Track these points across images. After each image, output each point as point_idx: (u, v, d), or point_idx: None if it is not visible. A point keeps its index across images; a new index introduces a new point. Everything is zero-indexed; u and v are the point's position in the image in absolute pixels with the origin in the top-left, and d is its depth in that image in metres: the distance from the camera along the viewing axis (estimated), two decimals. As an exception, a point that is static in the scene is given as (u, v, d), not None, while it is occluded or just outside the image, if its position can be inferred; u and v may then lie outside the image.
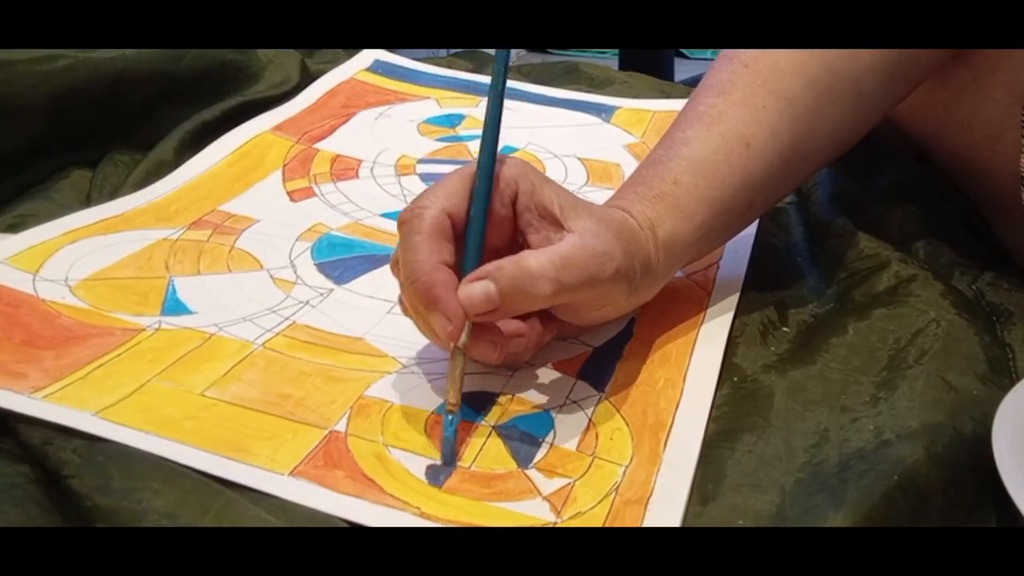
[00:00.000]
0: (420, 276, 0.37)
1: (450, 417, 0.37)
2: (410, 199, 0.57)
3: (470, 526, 0.33)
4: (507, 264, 0.37)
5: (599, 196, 0.59)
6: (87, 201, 0.56)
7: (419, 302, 0.38)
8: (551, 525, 0.34)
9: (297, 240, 0.53)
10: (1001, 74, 0.49)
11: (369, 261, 0.51)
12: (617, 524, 0.34)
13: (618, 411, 0.40)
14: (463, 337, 0.37)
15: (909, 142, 0.61)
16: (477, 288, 0.37)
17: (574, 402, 0.41)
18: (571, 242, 0.39)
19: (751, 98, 0.46)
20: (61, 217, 0.52)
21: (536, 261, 0.37)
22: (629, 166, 0.64)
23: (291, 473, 0.35)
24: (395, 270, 0.40)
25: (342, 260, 0.51)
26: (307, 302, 0.47)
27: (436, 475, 0.36)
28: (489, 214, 0.40)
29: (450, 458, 0.37)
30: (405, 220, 0.39)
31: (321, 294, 0.48)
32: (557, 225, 0.40)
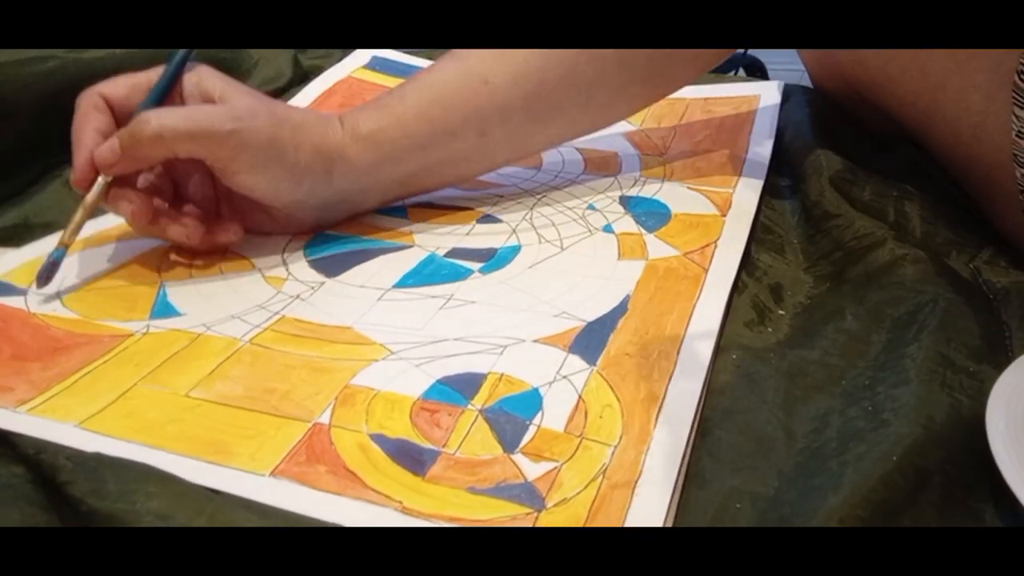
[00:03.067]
0: (72, 137, 0.46)
1: (59, 252, 0.46)
2: (408, 198, 0.57)
3: (452, 520, 0.32)
4: (131, 122, 0.45)
5: (596, 185, 0.59)
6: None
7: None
8: (534, 512, 0.33)
9: (291, 240, 0.52)
10: (982, 60, 0.49)
11: (363, 255, 0.51)
12: (603, 510, 0.33)
13: (609, 385, 0.39)
14: (92, 192, 0.46)
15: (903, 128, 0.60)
16: (105, 145, 0.45)
17: (564, 377, 0.39)
18: (198, 105, 0.47)
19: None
20: (55, 232, 0.52)
21: (155, 112, 0.45)
22: (627, 155, 0.63)
23: (272, 472, 0.34)
24: None
25: (335, 256, 0.50)
26: (297, 296, 0.46)
27: (419, 464, 0.35)
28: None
29: (43, 280, 0.45)
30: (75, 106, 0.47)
31: (312, 287, 0.47)
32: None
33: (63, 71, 0.58)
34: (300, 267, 0.49)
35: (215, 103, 0.47)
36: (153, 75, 0.48)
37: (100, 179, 0.46)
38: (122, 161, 0.45)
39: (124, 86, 0.48)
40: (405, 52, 0.81)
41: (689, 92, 0.74)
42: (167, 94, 0.48)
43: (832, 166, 0.55)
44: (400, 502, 0.33)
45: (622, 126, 0.68)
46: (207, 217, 0.50)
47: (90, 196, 0.46)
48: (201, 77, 0.48)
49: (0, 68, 0.55)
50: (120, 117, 0.47)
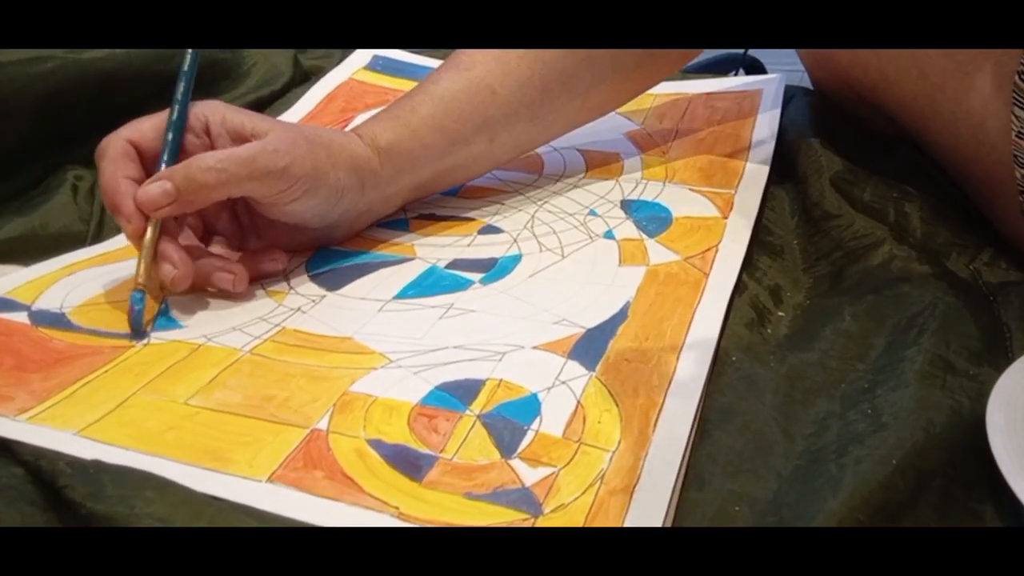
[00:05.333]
0: (106, 189, 0.45)
1: (138, 295, 0.44)
2: (409, 207, 0.57)
3: (448, 526, 0.32)
4: (183, 164, 0.44)
5: (597, 187, 0.59)
6: (91, 199, 0.56)
7: (111, 212, 0.45)
8: (531, 518, 0.33)
9: (293, 256, 0.52)
10: (982, 60, 0.49)
11: (364, 268, 0.50)
12: (600, 516, 0.33)
13: (608, 390, 0.39)
14: (148, 234, 0.44)
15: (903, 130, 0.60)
16: (154, 187, 0.44)
17: (563, 382, 0.39)
18: (246, 144, 0.46)
19: (507, 55, 0.53)
20: (63, 246, 0.53)
21: (210, 156, 0.44)
22: (629, 155, 0.63)
23: (269, 479, 0.34)
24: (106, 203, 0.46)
25: (336, 270, 0.50)
26: (298, 308, 0.46)
27: (416, 469, 0.35)
28: (183, 143, 0.47)
29: (139, 329, 0.43)
30: (98, 154, 0.46)
31: (313, 301, 0.47)
32: (248, 141, 0.46)
33: (63, 71, 0.58)
34: (301, 282, 0.49)
35: (248, 139, 0.46)
36: (149, 116, 0.47)
37: (151, 224, 0.45)
38: (176, 203, 0.44)
39: (150, 128, 0.47)
40: (406, 51, 0.80)
41: (691, 88, 0.73)
42: (182, 132, 0.47)
43: (832, 167, 0.55)
44: (397, 508, 0.33)
45: (624, 126, 0.68)
46: (241, 250, 0.51)
47: (148, 239, 0.44)
48: (224, 116, 0.47)
49: (0, 68, 0.55)
50: (146, 161, 0.46)
